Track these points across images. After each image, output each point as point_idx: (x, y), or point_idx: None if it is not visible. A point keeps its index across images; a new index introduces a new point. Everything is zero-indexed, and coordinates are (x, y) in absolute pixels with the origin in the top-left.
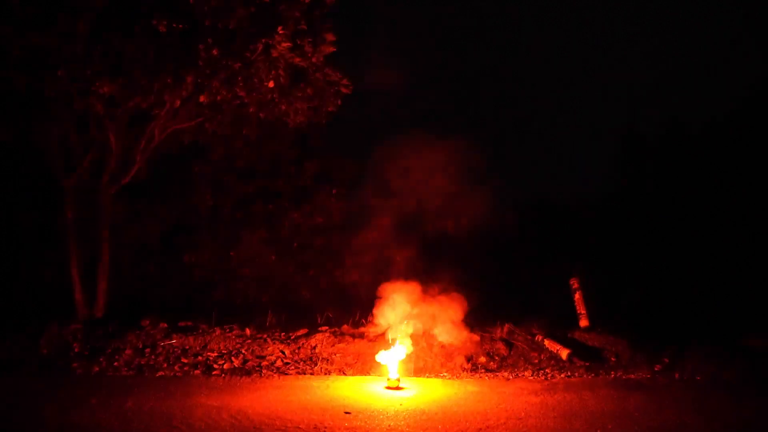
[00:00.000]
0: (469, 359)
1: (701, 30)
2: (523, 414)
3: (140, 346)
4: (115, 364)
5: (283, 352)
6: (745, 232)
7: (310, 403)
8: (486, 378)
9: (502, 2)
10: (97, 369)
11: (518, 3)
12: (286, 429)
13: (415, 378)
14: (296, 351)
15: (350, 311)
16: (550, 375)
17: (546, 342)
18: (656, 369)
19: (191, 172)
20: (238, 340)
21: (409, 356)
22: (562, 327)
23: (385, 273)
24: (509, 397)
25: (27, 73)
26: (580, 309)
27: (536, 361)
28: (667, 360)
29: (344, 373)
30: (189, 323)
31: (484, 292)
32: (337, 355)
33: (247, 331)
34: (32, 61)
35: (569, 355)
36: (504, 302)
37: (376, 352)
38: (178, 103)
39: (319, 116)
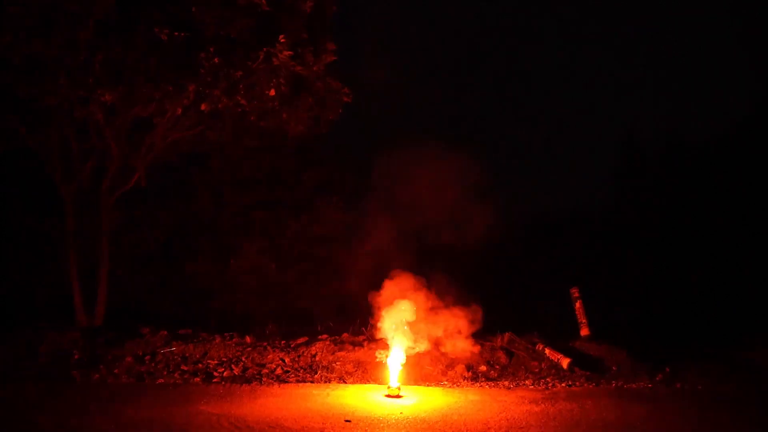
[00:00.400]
0: (469, 368)
1: (702, 44)
2: (524, 423)
3: (140, 354)
4: (115, 371)
5: (283, 360)
6: (744, 243)
7: (311, 411)
8: (487, 387)
9: (503, 16)
10: (96, 376)
11: (519, 17)
12: None
13: (415, 386)
14: (296, 359)
15: (350, 320)
16: (551, 384)
17: (547, 351)
18: (657, 379)
19: (191, 181)
20: (238, 348)
21: (409, 364)
22: (562, 336)
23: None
24: (510, 406)
25: (28, 82)
26: (581, 318)
27: (537, 370)
28: (668, 370)
29: (344, 381)
30: (189, 331)
31: (484, 301)
32: (337, 363)
33: (248, 339)
34: (33, 70)
35: (570, 365)
36: (505, 311)
37: (376, 361)
38: (179, 111)
39: (320, 125)
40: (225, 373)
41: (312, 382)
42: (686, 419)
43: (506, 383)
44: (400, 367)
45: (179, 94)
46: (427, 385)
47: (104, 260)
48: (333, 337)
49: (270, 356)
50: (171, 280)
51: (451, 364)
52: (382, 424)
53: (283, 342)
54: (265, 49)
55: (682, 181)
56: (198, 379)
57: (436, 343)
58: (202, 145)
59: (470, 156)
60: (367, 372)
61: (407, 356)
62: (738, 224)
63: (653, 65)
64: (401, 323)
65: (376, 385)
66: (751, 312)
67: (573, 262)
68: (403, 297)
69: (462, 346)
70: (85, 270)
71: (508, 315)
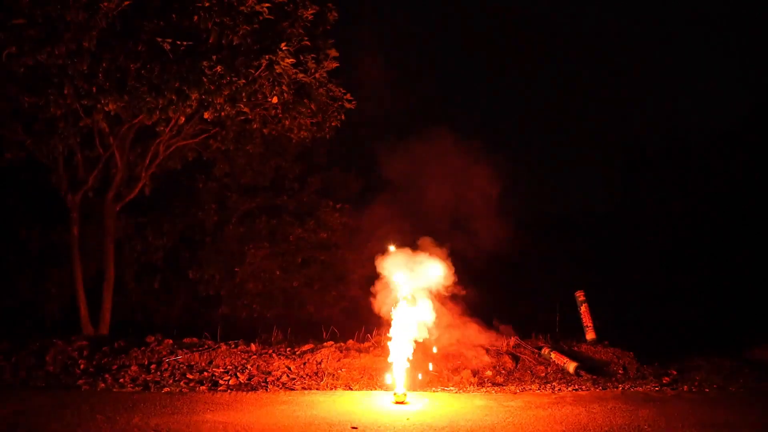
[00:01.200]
0: (475, 373)
1: (703, 42)
2: (531, 428)
3: (146, 363)
4: (121, 380)
5: (289, 368)
6: (749, 243)
7: (317, 418)
8: (493, 392)
9: (505, 18)
10: (102, 385)
11: (522, 18)
12: None
13: (421, 392)
14: (302, 366)
15: (356, 325)
16: (557, 388)
17: (553, 355)
18: (664, 381)
19: (195, 189)
20: (243, 356)
21: (415, 370)
22: (568, 340)
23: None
24: (517, 411)
25: (32, 92)
26: (587, 321)
27: (543, 374)
28: (674, 372)
29: (350, 388)
30: (194, 339)
31: (489, 304)
32: (343, 369)
33: (253, 347)
34: (38, 80)
35: (576, 369)
36: (509, 315)
37: (383, 367)
38: (182, 119)
39: (323, 131)
40: (231, 381)
41: (318, 389)
42: (695, 421)
43: (512, 388)
44: (406, 373)
45: (183, 102)
46: (433, 391)
47: (110, 269)
48: (338, 344)
49: (275, 363)
50: (176, 288)
51: (456, 370)
52: (389, 431)
53: (288, 349)
54: (267, 56)
55: (684, 182)
56: (204, 387)
57: (443, 349)
58: (205, 152)
59: (475, 158)
60: (373, 378)
61: (413, 362)
62: (741, 224)
63: (653, 64)
64: (407, 329)
65: (383, 392)
66: (757, 311)
67: (577, 264)
68: (408, 301)
69: (468, 351)
70: (91, 279)
71: (512, 318)
